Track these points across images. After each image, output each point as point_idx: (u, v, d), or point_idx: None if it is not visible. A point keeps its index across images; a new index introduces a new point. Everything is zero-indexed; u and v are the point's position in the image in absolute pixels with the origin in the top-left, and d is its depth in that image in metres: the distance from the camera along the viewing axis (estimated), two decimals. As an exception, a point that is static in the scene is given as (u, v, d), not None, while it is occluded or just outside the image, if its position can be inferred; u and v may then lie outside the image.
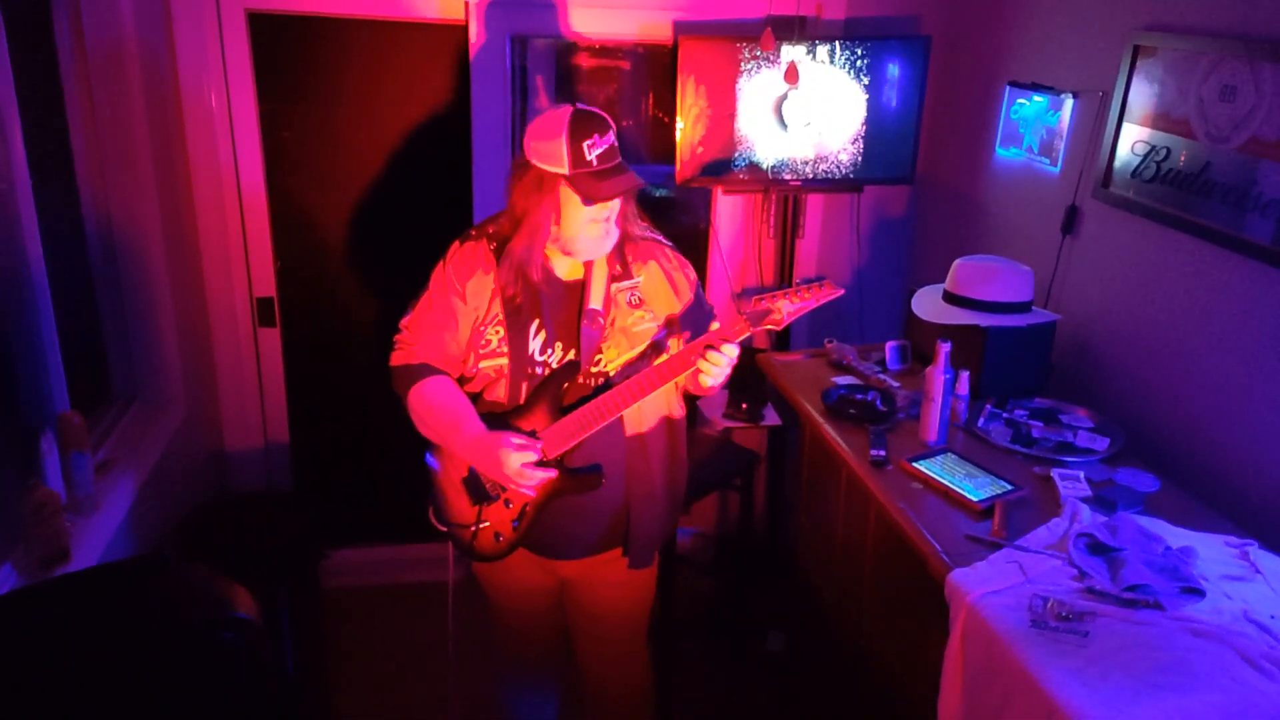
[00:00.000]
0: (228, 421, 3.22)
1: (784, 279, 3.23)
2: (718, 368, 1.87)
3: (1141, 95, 2.32)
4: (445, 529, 2.12)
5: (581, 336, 1.92)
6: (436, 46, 3.04)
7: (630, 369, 1.95)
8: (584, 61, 3.24)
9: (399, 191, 3.19)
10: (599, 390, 1.92)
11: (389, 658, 3.11)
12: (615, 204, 1.87)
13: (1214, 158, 2.10)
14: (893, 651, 2.16)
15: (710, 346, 1.85)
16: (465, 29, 2.93)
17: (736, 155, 2.99)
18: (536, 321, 1.93)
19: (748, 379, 3.10)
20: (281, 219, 3.12)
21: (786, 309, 1.87)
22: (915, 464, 2.12)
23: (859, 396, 2.38)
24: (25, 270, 2.07)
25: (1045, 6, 2.71)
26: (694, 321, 2.03)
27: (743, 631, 3.26)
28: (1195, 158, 2.16)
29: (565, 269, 1.96)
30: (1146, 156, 2.30)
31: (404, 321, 2.03)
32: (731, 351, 1.87)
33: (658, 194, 3.41)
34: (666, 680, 2.90)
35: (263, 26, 2.90)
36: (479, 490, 2.02)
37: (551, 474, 1.91)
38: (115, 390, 2.68)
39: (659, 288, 2.00)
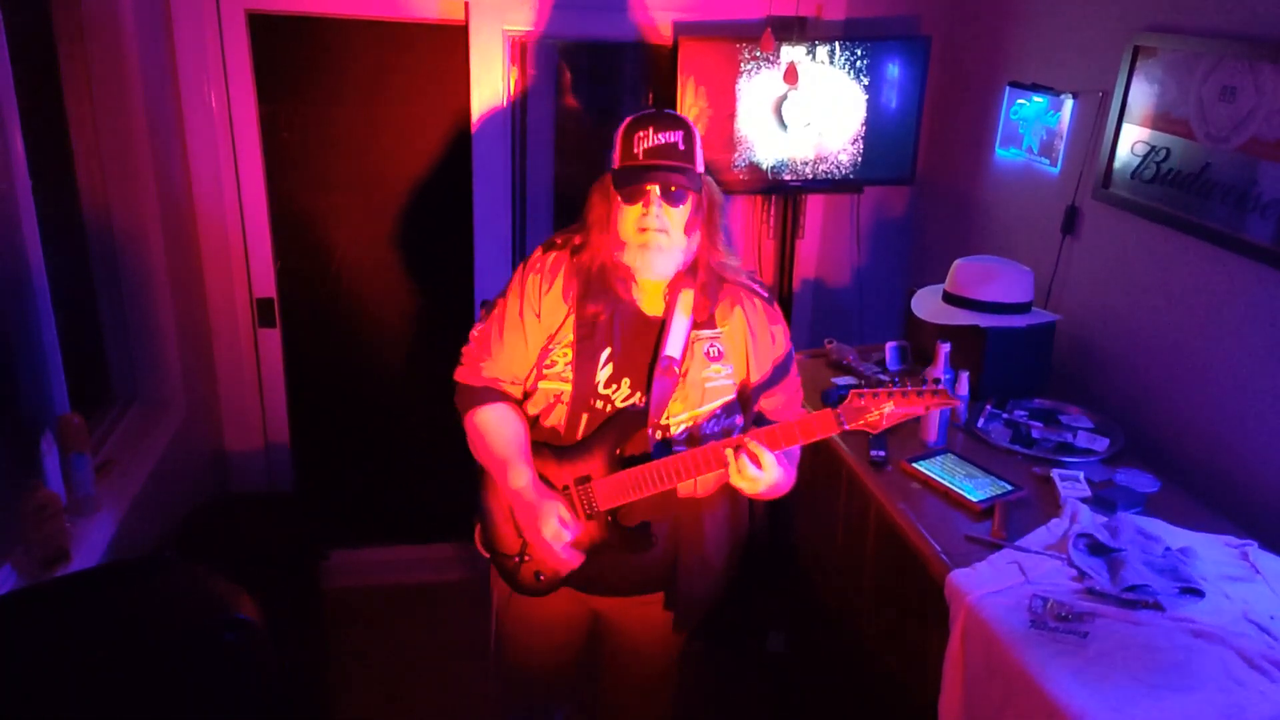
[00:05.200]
0: (228, 422, 3.22)
1: (784, 279, 3.23)
2: (746, 481, 1.68)
3: (1141, 96, 2.32)
4: (489, 555, 1.98)
5: (654, 385, 1.75)
6: (436, 47, 3.04)
7: (695, 429, 1.79)
8: (584, 61, 3.24)
9: (399, 192, 3.19)
10: (659, 447, 1.77)
11: (389, 658, 3.11)
12: (670, 214, 1.67)
13: (1214, 158, 2.10)
14: (893, 652, 2.16)
15: (741, 449, 1.66)
16: (465, 29, 2.93)
17: (736, 156, 2.99)
18: (608, 350, 1.77)
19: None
20: (281, 219, 3.12)
21: (889, 413, 1.66)
22: (915, 465, 2.12)
23: (859, 397, 2.38)
24: (25, 271, 2.07)
25: (1045, 7, 2.71)
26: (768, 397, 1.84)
27: (743, 631, 3.26)
28: (1195, 158, 2.16)
29: (646, 300, 1.79)
30: (1146, 157, 2.30)
31: (474, 331, 1.88)
32: (768, 461, 1.66)
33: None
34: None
35: (262, 27, 2.90)
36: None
37: (577, 561, 1.79)
38: (115, 391, 2.68)
39: (739, 341, 1.81)
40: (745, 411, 1.86)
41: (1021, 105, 2.77)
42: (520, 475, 1.79)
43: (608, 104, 3.30)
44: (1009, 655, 1.57)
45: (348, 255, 3.25)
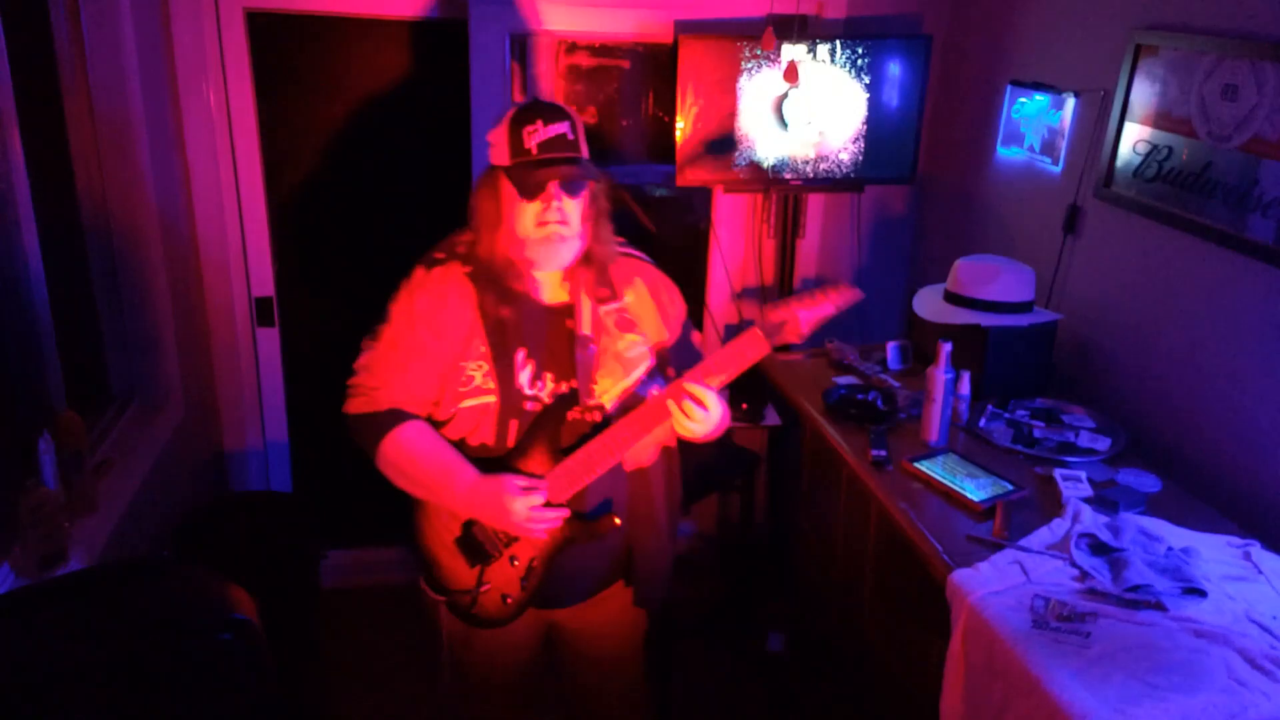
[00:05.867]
0: (226, 422, 3.21)
1: (784, 279, 3.23)
2: (694, 423, 1.69)
3: (1143, 94, 2.31)
4: (443, 598, 1.89)
5: (578, 365, 1.74)
6: (436, 45, 3.03)
7: (628, 399, 1.78)
8: (584, 60, 3.23)
9: (398, 191, 3.18)
10: (597, 427, 1.75)
11: (387, 658, 3.11)
12: (567, 205, 1.66)
13: (1215, 157, 2.10)
14: (894, 652, 2.15)
15: (682, 395, 1.66)
16: (465, 27, 2.93)
17: (737, 155, 2.99)
18: (523, 351, 1.74)
19: (748, 378, 3.10)
20: (280, 218, 3.11)
21: (805, 317, 1.67)
22: (916, 464, 2.11)
23: (860, 396, 2.38)
24: (23, 270, 2.06)
25: (1047, 6, 2.71)
26: (682, 358, 1.86)
27: (743, 632, 3.25)
28: (1197, 157, 2.15)
29: (548, 292, 1.77)
30: (1148, 156, 2.30)
31: (361, 361, 1.79)
32: (710, 399, 1.68)
33: (658, 194, 3.41)
34: (667, 682, 2.89)
35: (261, 25, 2.90)
36: (477, 550, 1.81)
37: (564, 513, 1.74)
38: (113, 390, 2.67)
39: (647, 308, 1.84)
40: (662, 368, 1.87)
41: (1023, 104, 2.77)
42: (464, 477, 1.72)
43: (608, 103, 3.30)
44: (1011, 655, 1.56)
45: (347, 254, 3.24)
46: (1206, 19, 2.14)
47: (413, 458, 1.75)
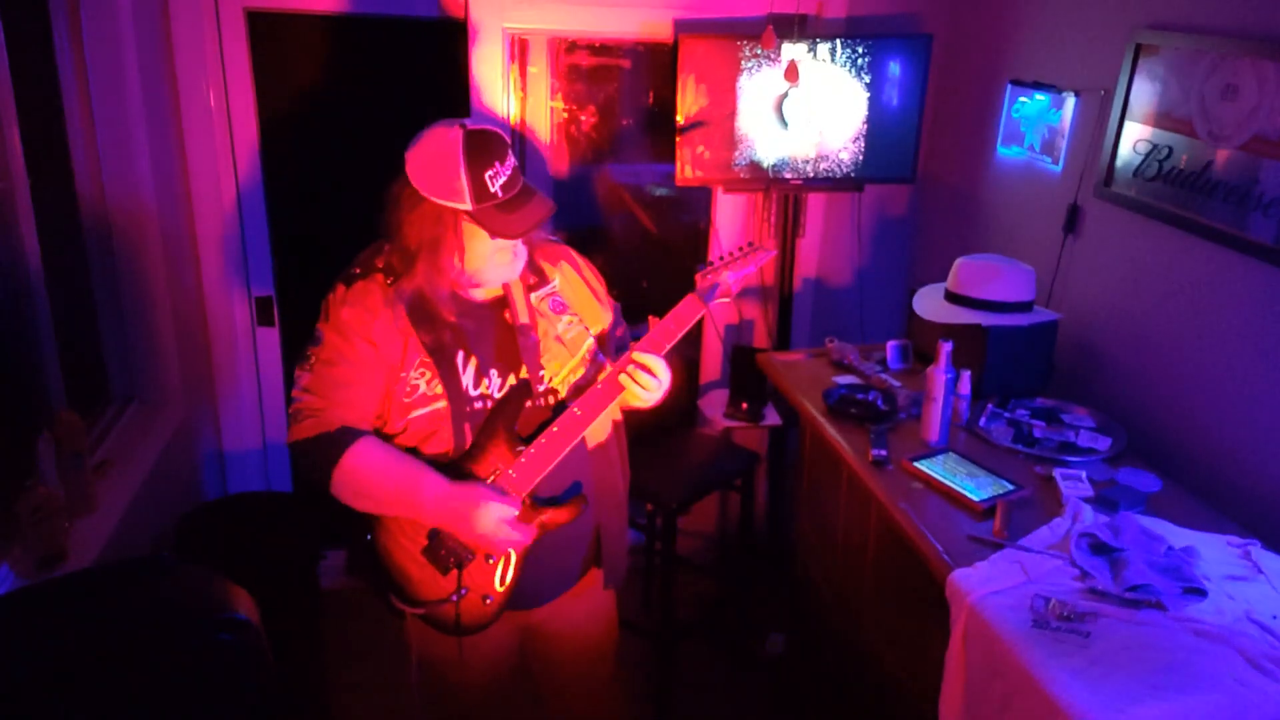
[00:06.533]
0: (226, 421, 3.21)
1: (785, 278, 3.23)
2: (647, 392, 1.74)
3: (1143, 94, 2.31)
4: (420, 610, 1.83)
5: (523, 355, 1.75)
6: (436, 45, 3.03)
7: (579, 379, 1.81)
8: (584, 60, 3.23)
9: (398, 191, 3.18)
10: (556, 410, 1.76)
11: (388, 658, 3.11)
12: None
13: (1216, 157, 2.10)
14: (894, 652, 2.15)
15: (632, 366, 1.72)
16: (466, 27, 2.93)
17: (737, 154, 2.99)
18: (463, 353, 1.72)
19: (748, 378, 3.10)
20: (280, 218, 3.11)
21: (730, 279, 1.79)
22: (916, 464, 2.11)
23: (860, 396, 2.38)
24: (23, 270, 2.06)
25: (1047, 5, 2.71)
26: (616, 333, 1.94)
27: (743, 632, 3.25)
28: (1197, 157, 2.15)
29: (479, 290, 1.77)
30: (1148, 155, 2.29)
31: (300, 386, 1.74)
32: (659, 366, 1.73)
33: (658, 193, 3.40)
34: (666, 682, 2.89)
35: (261, 25, 2.90)
36: (449, 555, 1.76)
37: (533, 533, 1.72)
38: (113, 390, 2.68)
39: (577, 289, 1.87)
40: (608, 349, 1.91)
41: (1023, 103, 2.77)
42: (431, 484, 1.68)
43: (608, 102, 3.30)
44: (1011, 655, 1.56)
45: (346, 254, 3.23)
46: (1207, 18, 2.14)
47: (371, 473, 1.70)
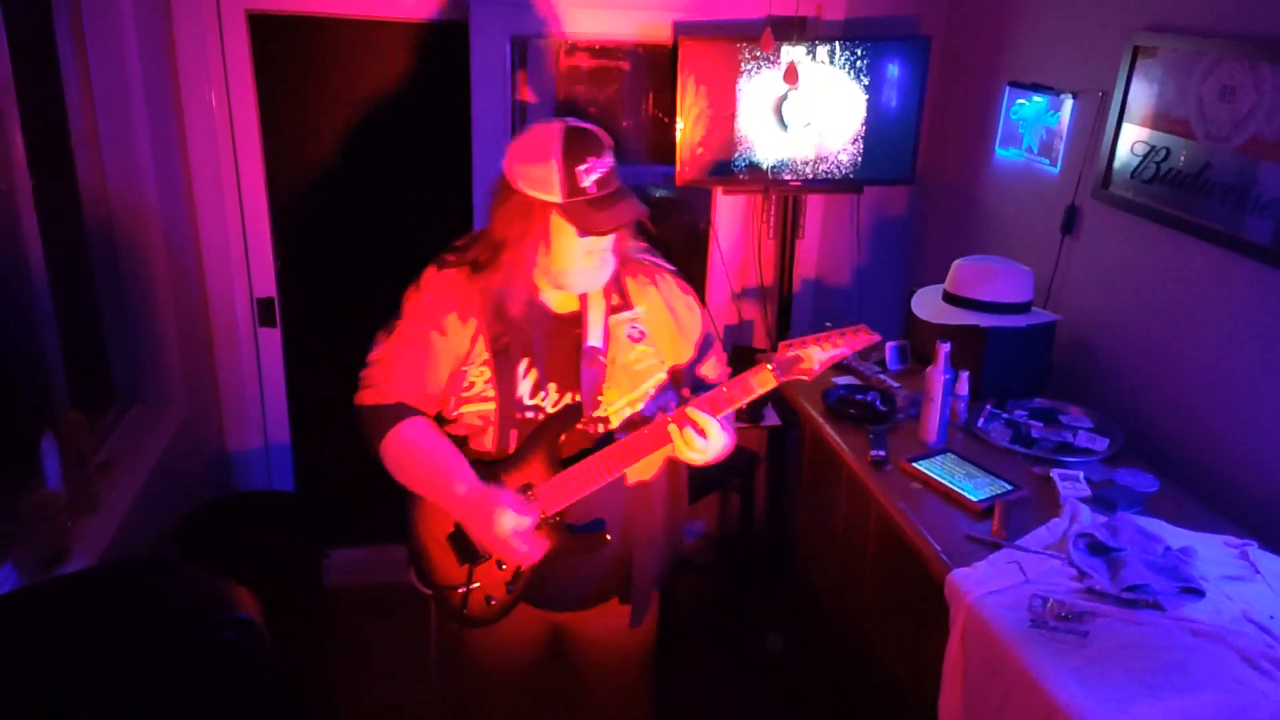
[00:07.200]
0: (228, 422, 3.22)
1: (784, 279, 3.23)
2: (694, 453, 1.67)
3: (1141, 95, 2.32)
4: (430, 592, 1.89)
5: (583, 377, 1.71)
6: (436, 46, 3.04)
7: (635, 414, 1.77)
8: (584, 62, 3.24)
9: (399, 191, 3.19)
10: (600, 441, 1.73)
11: (389, 658, 3.11)
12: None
13: (1213, 158, 2.10)
14: (893, 651, 2.16)
15: (685, 422, 1.64)
16: (465, 29, 2.93)
17: (736, 155, 2.99)
18: (526, 361, 1.72)
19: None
20: (281, 219, 3.12)
21: (819, 356, 1.68)
22: (915, 464, 2.12)
23: (859, 397, 2.39)
24: (26, 270, 2.07)
25: (1045, 7, 2.71)
26: (696, 378, 1.84)
27: (743, 632, 3.26)
28: (1195, 158, 2.16)
29: (557, 300, 1.76)
30: (1146, 157, 2.30)
31: (373, 355, 1.80)
32: (713, 429, 1.66)
33: (658, 194, 3.41)
34: (666, 682, 2.90)
35: (263, 26, 2.91)
36: (468, 548, 1.80)
37: (543, 549, 1.71)
38: (116, 390, 2.68)
39: (660, 320, 1.80)
40: (678, 388, 1.85)
41: (1021, 105, 2.77)
42: (459, 483, 1.71)
43: (608, 104, 3.30)
44: (1009, 655, 1.57)
45: (348, 254, 3.25)
46: (1204, 20, 2.15)
47: (412, 456, 1.75)
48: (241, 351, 3.16)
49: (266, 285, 3.13)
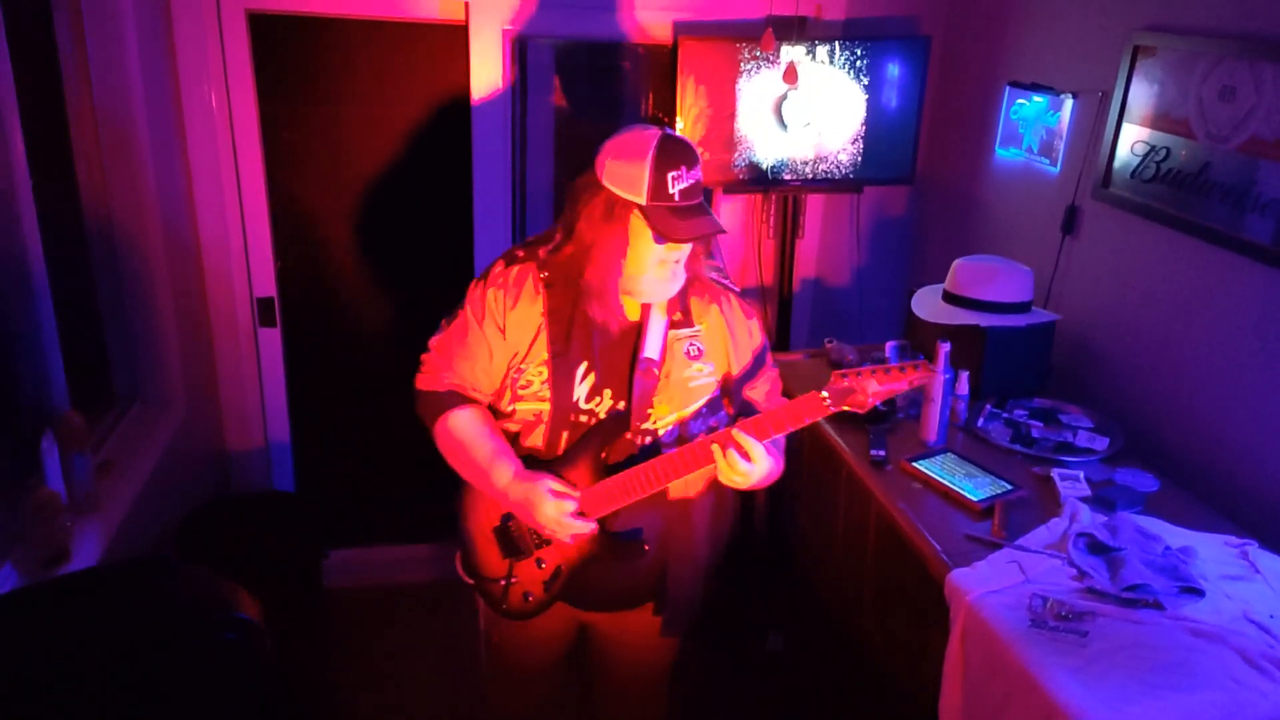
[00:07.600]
0: (228, 422, 3.22)
1: (784, 279, 3.23)
2: (738, 476, 1.66)
3: (1141, 95, 2.32)
4: (473, 582, 1.95)
5: (634, 387, 1.73)
6: (436, 47, 3.04)
7: (682, 429, 1.77)
8: (584, 61, 3.24)
9: (399, 191, 3.19)
10: (646, 451, 1.75)
11: (389, 658, 3.11)
12: (689, 245, 1.68)
13: (1213, 158, 2.10)
14: (893, 651, 2.16)
15: (729, 444, 1.64)
16: (465, 29, 2.93)
17: (736, 155, 2.99)
18: (585, 364, 1.74)
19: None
20: (282, 219, 3.12)
21: (874, 389, 1.66)
22: (915, 464, 2.12)
23: (859, 396, 2.38)
24: (26, 270, 2.07)
25: (1045, 7, 2.71)
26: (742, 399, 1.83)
27: (743, 632, 3.26)
28: (1195, 158, 2.16)
29: (625, 307, 1.76)
30: (1146, 157, 2.30)
31: (433, 340, 1.85)
32: (757, 453, 1.64)
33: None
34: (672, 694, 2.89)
35: (263, 26, 2.90)
36: (511, 544, 1.85)
37: (592, 527, 1.74)
38: (116, 390, 2.68)
39: (718, 339, 1.81)
40: (728, 407, 1.86)
41: (1021, 105, 2.77)
42: (505, 471, 1.75)
43: (608, 104, 3.30)
44: (1009, 654, 1.57)
45: (348, 254, 3.25)
46: (1204, 20, 2.15)
47: (462, 442, 1.79)
48: (241, 351, 3.16)
49: (266, 285, 3.12)
